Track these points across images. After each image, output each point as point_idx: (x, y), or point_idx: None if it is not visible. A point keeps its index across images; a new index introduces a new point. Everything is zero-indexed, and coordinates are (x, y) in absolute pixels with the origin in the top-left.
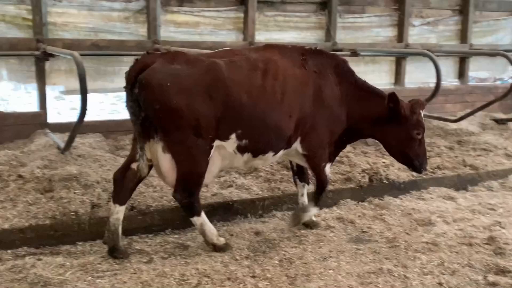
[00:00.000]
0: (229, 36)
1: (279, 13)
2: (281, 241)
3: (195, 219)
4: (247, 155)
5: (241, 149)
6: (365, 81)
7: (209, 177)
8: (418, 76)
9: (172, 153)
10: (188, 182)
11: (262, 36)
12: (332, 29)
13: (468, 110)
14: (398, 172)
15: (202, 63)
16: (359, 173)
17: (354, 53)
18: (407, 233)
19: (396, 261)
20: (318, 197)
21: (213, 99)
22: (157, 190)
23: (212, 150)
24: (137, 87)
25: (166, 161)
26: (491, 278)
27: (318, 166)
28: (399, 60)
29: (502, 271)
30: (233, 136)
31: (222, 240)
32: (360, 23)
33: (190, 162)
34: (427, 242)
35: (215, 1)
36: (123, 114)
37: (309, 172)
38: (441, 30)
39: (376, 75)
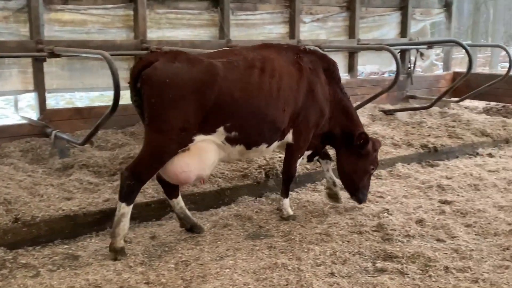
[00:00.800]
0: (119, 34)
1: (170, 11)
2: (177, 244)
3: (122, 205)
4: (239, 147)
5: (231, 141)
6: (346, 93)
7: (204, 170)
8: None
9: (147, 138)
10: (144, 166)
11: (154, 34)
12: (226, 26)
13: (359, 103)
14: None
15: (201, 63)
16: (256, 169)
17: None
18: (302, 226)
19: (291, 254)
20: (287, 186)
21: (204, 97)
22: (44, 199)
23: (191, 144)
24: (139, 82)
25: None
26: (380, 264)
27: (295, 156)
28: None
29: (389, 257)
30: (220, 129)
31: (122, 244)
32: (253, 20)
33: (158, 151)
34: (320, 233)
35: None
36: (10, 119)
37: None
38: (330, 26)
39: None
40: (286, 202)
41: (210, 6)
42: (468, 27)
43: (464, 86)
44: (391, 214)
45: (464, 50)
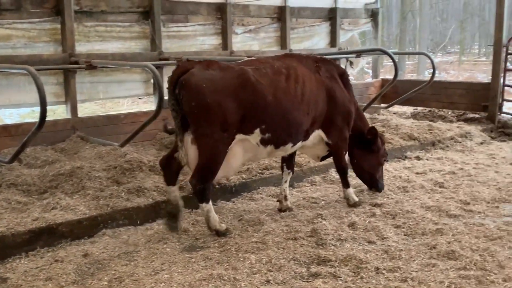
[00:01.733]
0: (46, 48)
1: (99, 23)
2: (111, 261)
3: (203, 205)
4: (270, 147)
5: (264, 142)
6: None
7: (229, 170)
8: None
9: (198, 145)
10: (205, 170)
11: (83, 47)
12: (157, 38)
13: None
14: None
15: (233, 69)
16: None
17: (181, 62)
18: (238, 235)
19: (227, 265)
20: (345, 179)
21: (240, 100)
22: None
23: (233, 142)
24: (178, 88)
25: (192, 152)
26: (314, 268)
27: (340, 153)
28: None
29: (323, 261)
30: (257, 130)
31: (223, 226)
32: (185, 32)
33: (211, 153)
34: (256, 242)
35: (28, 12)
36: None
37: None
38: (262, 37)
39: None
40: (350, 191)
41: (141, 18)
42: (397, 35)
43: (393, 92)
44: (324, 219)
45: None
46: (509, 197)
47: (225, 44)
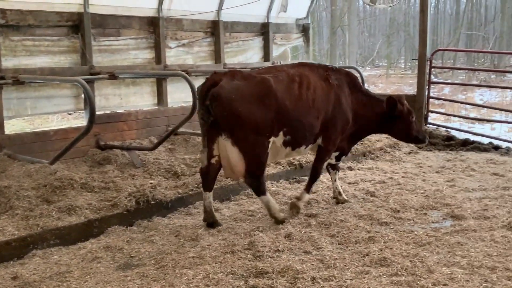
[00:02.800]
0: None
1: (27, 37)
2: (42, 282)
3: (262, 197)
4: (288, 148)
5: (285, 143)
6: (368, 91)
7: None
8: (180, 96)
9: (239, 147)
10: (254, 169)
11: (9, 62)
12: (88, 53)
13: None
14: (165, 191)
15: (255, 78)
16: (126, 197)
17: (113, 76)
18: (175, 251)
19: (163, 282)
20: (311, 185)
21: (267, 105)
22: None
23: (270, 144)
24: (208, 99)
25: (234, 154)
26: (251, 281)
27: (323, 158)
28: (160, 81)
29: (260, 273)
30: (281, 133)
31: (282, 215)
32: (117, 46)
33: (253, 154)
34: (193, 257)
35: None
36: None
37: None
38: (196, 51)
39: (139, 97)
40: (307, 197)
41: (71, 32)
42: (327, 50)
43: None
44: (261, 232)
45: None
46: (436, 204)
47: (158, 58)
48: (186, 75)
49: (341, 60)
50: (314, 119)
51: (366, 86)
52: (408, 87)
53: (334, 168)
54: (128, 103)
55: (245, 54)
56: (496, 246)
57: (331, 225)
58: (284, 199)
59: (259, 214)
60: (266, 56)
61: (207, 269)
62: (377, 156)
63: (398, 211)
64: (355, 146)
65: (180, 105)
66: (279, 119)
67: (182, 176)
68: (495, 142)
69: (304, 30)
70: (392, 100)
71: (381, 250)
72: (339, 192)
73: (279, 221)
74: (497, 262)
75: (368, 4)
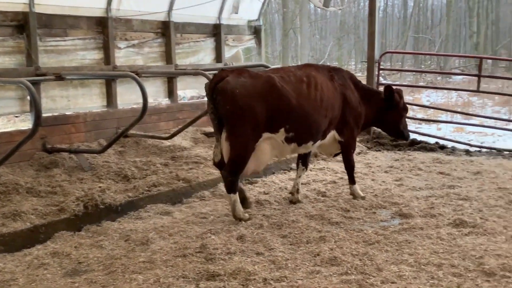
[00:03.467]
0: None
1: None
2: None
3: (231, 195)
4: (293, 145)
5: (288, 140)
6: (365, 85)
7: (259, 166)
8: (130, 98)
9: (230, 142)
10: (236, 164)
11: None
12: (33, 53)
13: (180, 127)
14: (114, 195)
15: (261, 77)
16: (73, 202)
17: (59, 77)
18: (125, 256)
19: (113, 287)
20: (352, 175)
21: (268, 103)
22: None
23: (260, 140)
24: (215, 93)
25: (225, 148)
26: (203, 284)
27: (349, 151)
28: (109, 83)
29: (212, 276)
30: (281, 130)
31: (246, 216)
32: (64, 46)
33: (241, 149)
34: (144, 261)
35: None
36: None
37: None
38: (147, 52)
39: (87, 99)
40: (356, 187)
41: (15, 32)
42: (280, 51)
43: None
44: (214, 234)
45: None
46: (384, 203)
47: (107, 59)
48: (136, 76)
49: (294, 62)
50: (322, 117)
51: None
52: None
53: (304, 164)
54: (76, 105)
55: (197, 55)
56: (442, 244)
57: (283, 225)
58: None
59: (212, 217)
60: (218, 57)
61: (157, 274)
62: None
63: (348, 211)
64: None
65: (130, 106)
66: (280, 116)
67: (133, 179)
68: (441, 142)
69: (256, 31)
70: (390, 88)
71: (332, 249)
72: (297, 190)
73: (243, 221)
74: (443, 259)
75: (319, 7)
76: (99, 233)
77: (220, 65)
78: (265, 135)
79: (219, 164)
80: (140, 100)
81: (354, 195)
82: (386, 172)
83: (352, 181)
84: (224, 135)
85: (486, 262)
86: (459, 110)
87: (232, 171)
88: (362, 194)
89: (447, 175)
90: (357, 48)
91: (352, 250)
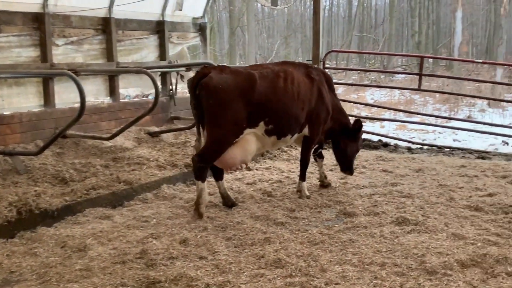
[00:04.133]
0: None
1: None
2: None
3: (199, 183)
4: (273, 137)
5: (268, 132)
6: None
7: (247, 157)
8: (69, 96)
9: (208, 131)
10: (210, 152)
11: None
12: None
13: (122, 126)
14: (51, 199)
15: (242, 73)
16: (6, 207)
17: None
18: (60, 264)
19: None
20: (304, 172)
21: (248, 98)
22: None
23: (241, 136)
24: (198, 89)
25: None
26: None
27: (311, 146)
28: (46, 81)
29: (153, 283)
30: (261, 123)
31: (203, 211)
32: None
33: (219, 140)
34: (80, 269)
35: None
36: None
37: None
38: (86, 49)
39: (23, 98)
40: (304, 185)
41: None
42: (228, 49)
43: None
44: (155, 238)
45: None
46: (329, 202)
47: (44, 56)
48: (73, 74)
49: (242, 60)
50: (299, 110)
51: None
52: None
53: (320, 156)
54: (11, 104)
55: (139, 53)
56: (385, 242)
57: (228, 227)
58: (181, 203)
59: (154, 220)
60: (162, 55)
61: (95, 282)
62: (275, 156)
63: (294, 210)
64: None
65: (69, 106)
66: (260, 111)
67: (71, 182)
68: (384, 139)
69: (201, 29)
70: (360, 123)
71: (276, 251)
72: (325, 176)
73: (198, 214)
74: (386, 258)
75: (265, 6)
76: (33, 240)
77: (164, 63)
78: (246, 131)
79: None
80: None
81: (300, 192)
82: (331, 170)
83: (303, 177)
84: (205, 129)
85: (428, 260)
86: (401, 108)
87: (204, 158)
88: (307, 193)
89: (390, 172)
90: (304, 47)
91: (296, 251)
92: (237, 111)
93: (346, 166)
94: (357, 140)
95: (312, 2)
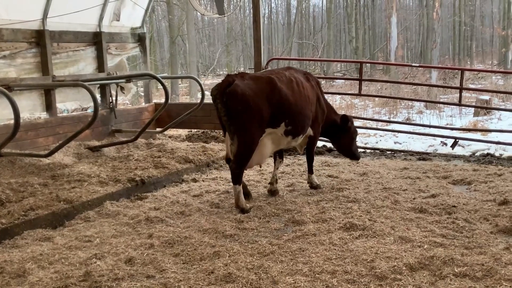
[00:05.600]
0: None
1: None
2: None
3: (236, 186)
4: (289, 137)
5: (286, 133)
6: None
7: (262, 159)
8: (2, 113)
9: (238, 137)
10: (243, 157)
11: None
12: None
13: (61, 142)
14: None
15: (262, 78)
16: None
17: None
18: None
19: None
20: (311, 165)
21: (270, 102)
22: None
23: (264, 135)
24: (225, 97)
25: (234, 143)
26: None
27: (315, 144)
28: None
29: None
30: (282, 124)
31: (248, 207)
32: None
33: (248, 144)
34: None
35: None
36: None
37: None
38: (20, 63)
39: None
40: (313, 176)
41: None
42: (169, 59)
43: (166, 116)
44: (99, 259)
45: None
46: (278, 211)
47: None
48: (4, 90)
49: (183, 69)
50: (309, 112)
51: (208, 94)
52: None
53: (280, 157)
54: None
55: (76, 65)
56: (335, 249)
57: (175, 243)
58: (125, 220)
59: (97, 239)
60: (101, 67)
61: None
62: (221, 166)
63: (242, 221)
64: (199, 157)
65: (3, 123)
66: (281, 112)
67: (7, 203)
68: (328, 144)
69: (140, 39)
70: (346, 118)
71: (226, 265)
72: (276, 180)
73: (245, 211)
74: (336, 265)
75: (204, 15)
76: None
77: (102, 75)
78: (268, 130)
79: (228, 160)
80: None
81: (311, 183)
82: (278, 178)
83: (311, 171)
84: (234, 134)
85: (377, 266)
86: (343, 113)
87: (239, 164)
88: (318, 182)
89: (335, 178)
90: (245, 55)
91: (247, 264)
92: (263, 114)
93: (350, 155)
94: (349, 131)
95: (251, 10)
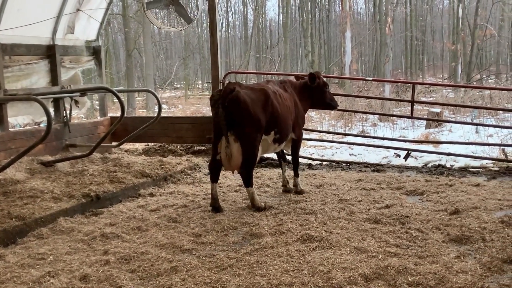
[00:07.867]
0: None
1: None
2: None
3: (249, 189)
4: (276, 144)
5: (275, 140)
6: (292, 81)
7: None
8: None
9: (241, 142)
10: (250, 161)
11: None
12: None
13: (13, 157)
14: None
15: (257, 88)
16: None
17: None
18: None
19: None
20: (297, 169)
21: (266, 110)
22: None
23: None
24: (228, 102)
25: (235, 148)
26: None
27: (299, 146)
28: None
29: None
30: (272, 132)
31: (263, 205)
32: None
33: (252, 149)
34: None
35: None
36: None
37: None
38: None
39: None
40: (299, 180)
41: None
42: (125, 72)
43: (123, 130)
44: (53, 277)
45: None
46: (235, 224)
47: None
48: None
49: (140, 82)
50: (290, 120)
51: (166, 107)
52: (206, 108)
53: (284, 160)
54: None
55: (29, 79)
56: (292, 261)
57: (131, 259)
58: (80, 236)
59: (51, 257)
60: (54, 80)
61: None
62: (178, 180)
63: (200, 235)
64: (156, 171)
65: None
66: (273, 121)
67: None
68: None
69: (96, 52)
70: (312, 75)
71: (184, 280)
72: (287, 181)
73: (261, 209)
74: (294, 277)
75: (160, 28)
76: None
77: (56, 89)
78: (263, 137)
79: (212, 167)
80: None
81: (296, 187)
82: (236, 191)
83: (297, 174)
84: (232, 137)
85: (334, 277)
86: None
87: (248, 167)
88: (302, 188)
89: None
90: (203, 68)
91: (205, 278)
92: (261, 120)
93: (327, 107)
94: (319, 86)
95: (208, 24)
